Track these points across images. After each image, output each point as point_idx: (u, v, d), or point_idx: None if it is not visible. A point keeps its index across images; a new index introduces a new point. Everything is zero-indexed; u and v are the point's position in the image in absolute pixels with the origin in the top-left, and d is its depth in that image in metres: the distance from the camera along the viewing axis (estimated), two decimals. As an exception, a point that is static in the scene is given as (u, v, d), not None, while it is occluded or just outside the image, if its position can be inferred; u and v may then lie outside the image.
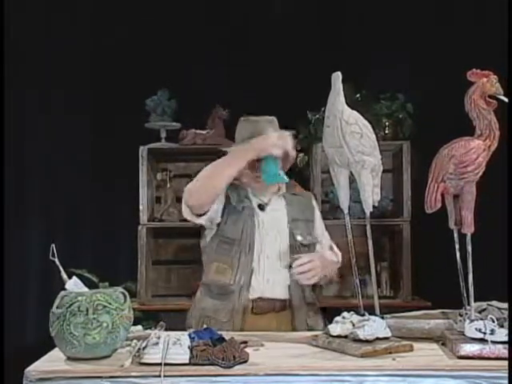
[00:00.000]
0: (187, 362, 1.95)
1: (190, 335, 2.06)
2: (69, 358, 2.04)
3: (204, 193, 2.53)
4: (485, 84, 2.21)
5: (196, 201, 2.54)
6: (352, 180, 2.39)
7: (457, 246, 2.29)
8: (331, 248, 2.74)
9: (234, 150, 2.60)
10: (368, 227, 2.35)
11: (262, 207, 2.71)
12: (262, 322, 2.60)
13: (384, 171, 2.44)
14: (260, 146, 2.53)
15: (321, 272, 2.59)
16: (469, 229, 2.24)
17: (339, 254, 2.74)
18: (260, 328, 2.54)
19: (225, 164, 2.53)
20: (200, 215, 2.60)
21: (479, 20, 4.24)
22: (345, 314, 2.28)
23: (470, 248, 2.23)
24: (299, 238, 2.70)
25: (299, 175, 4.38)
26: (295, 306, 2.67)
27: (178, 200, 4.42)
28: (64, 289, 2.11)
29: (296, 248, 2.68)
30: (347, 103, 2.29)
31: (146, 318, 3.65)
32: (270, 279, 2.65)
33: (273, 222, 2.70)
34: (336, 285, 4.46)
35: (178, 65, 4.33)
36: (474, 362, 2.00)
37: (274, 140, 2.54)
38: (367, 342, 2.10)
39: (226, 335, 2.12)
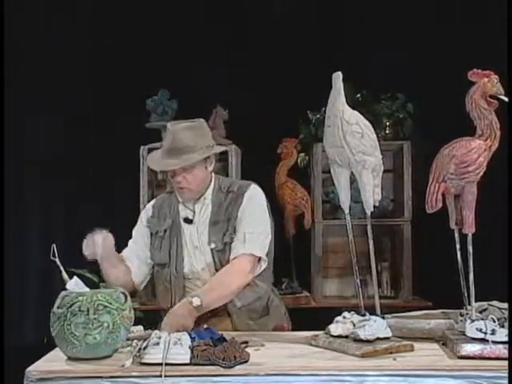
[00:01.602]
0: (188, 362, 1.95)
1: (190, 335, 2.06)
2: (69, 358, 2.04)
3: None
4: (486, 84, 2.21)
5: None
6: (353, 180, 2.39)
7: (457, 246, 2.29)
8: (244, 241, 2.57)
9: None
10: (369, 227, 2.35)
11: (188, 221, 2.67)
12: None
13: (385, 171, 2.44)
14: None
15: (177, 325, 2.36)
16: (470, 229, 2.24)
17: (254, 251, 2.57)
18: None
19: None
20: None
21: (479, 20, 4.23)
22: (345, 314, 2.28)
23: (470, 248, 2.23)
24: (212, 245, 2.60)
25: (300, 175, 4.40)
26: (232, 314, 2.62)
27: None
28: (65, 289, 2.11)
29: (214, 255, 2.61)
30: (348, 103, 2.29)
31: (147, 318, 3.65)
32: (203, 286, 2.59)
33: (197, 231, 2.65)
34: (337, 284, 4.47)
35: (179, 65, 4.33)
36: (475, 362, 2.00)
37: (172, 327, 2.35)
38: (368, 342, 2.10)
39: (227, 335, 2.12)
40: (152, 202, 2.85)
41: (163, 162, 2.61)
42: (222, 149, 2.84)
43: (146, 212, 2.81)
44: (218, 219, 2.63)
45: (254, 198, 2.68)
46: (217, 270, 2.60)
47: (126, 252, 2.75)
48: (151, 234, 2.73)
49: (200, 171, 2.61)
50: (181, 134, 2.58)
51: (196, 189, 2.63)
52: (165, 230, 2.69)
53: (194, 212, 2.67)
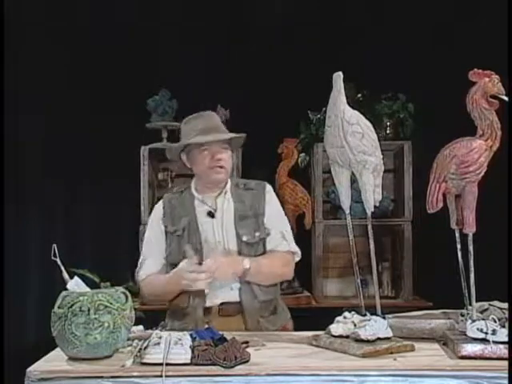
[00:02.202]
0: (189, 362, 1.95)
1: (191, 335, 2.06)
2: (70, 358, 2.04)
3: (154, 302, 3.04)
4: (486, 84, 2.21)
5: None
6: (353, 180, 2.39)
7: (458, 246, 2.29)
8: (284, 238, 2.69)
9: (172, 277, 2.58)
10: (369, 227, 2.35)
11: (211, 214, 2.68)
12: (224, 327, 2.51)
13: (385, 171, 2.45)
14: (181, 282, 2.51)
15: (228, 268, 2.52)
16: (470, 229, 2.24)
17: (293, 248, 2.71)
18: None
19: (167, 289, 2.65)
20: None
21: (480, 20, 4.23)
22: (346, 314, 2.27)
23: (471, 248, 2.23)
24: (245, 238, 2.63)
25: (300, 175, 4.39)
26: (246, 309, 2.63)
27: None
28: (65, 289, 2.11)
29: (243, 248, 2.63)
30: (348, 103, 2.29)
31: (148, 318, 3.65)
32: (223, 284, 2.61)
33: (222, 226, 2.66)
34: (337, 284, 4.47)
35: (179, 65, 4.32)
36: (476, 362, 2.00)
37: (193, 277, 2.47)
38: (369, 342, 2.10)
39: (228, 335, 2.11)
40: (160, 204, 2.81)
41: (210, 136, 2.64)
42: (242, 135, 2.81)
43: (156, 214, 2.78)
44: (245, 214, 2.67)
45: (273, 195, 2.79)
46: None
47: (144, 254, 2.76)
48: (166, 235, 2.71)
49: (230, 154, 2.72)
50: (212, 116, 2.74)
51: (229, 171, 2.71)
52: (183, 229, 2.67)
53: (216, 206, 2.69)
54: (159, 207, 2.79)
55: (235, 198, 2.70)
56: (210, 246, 2.64)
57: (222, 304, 2.61)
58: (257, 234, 2.65)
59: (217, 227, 2.66)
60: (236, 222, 2.65)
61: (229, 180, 2.74)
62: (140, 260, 2.76)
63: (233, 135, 2.70)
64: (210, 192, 2.72)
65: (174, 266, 2.60)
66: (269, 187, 2.78)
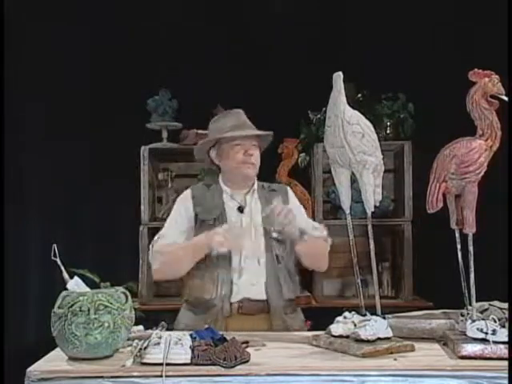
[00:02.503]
0: (189, 362, 1.95)
1: (191, 335, 2.06)
2: (70, 358, 2.04)
3: (168, 275, 2.79)
4: (486, 84, 2.21)
5: (160, 278, 2.85)
6: (353, 180, 2.39)
7: (458, 246, 2.29)
8: (315, 228, 2.78)
9: (193, 244, 2.65)
10: (369, 227, 2.35)
11: (241, 209, 2.74)
12: (245, 325, 2.59)
13: (385, 171, 2.45)
14: (209, 243, 2.58)
15: (293, 219, 2.57)
16: (470, 229, 2.24)
17: (325, 234, 2.78)
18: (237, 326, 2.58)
19: (187, 257, 2.65)
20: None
21: (480, 20, 4.23)
22: (346, 314, 2.27)
23: (471, 248, 2.23)
24: (274, 234, 2.66)
25: (300, 175, 4.39)
26: (272, 306, 2.66)
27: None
28: (65, 289, 2.11)
29: (273, 244, 2.69)
30: (349, 103, 2.29)
31: (148, 318, 3.65)
32: (249, 279, 2.66)
33: (250, 222, 2.72)
34: (337, 284, 4.47)
35: (179, 65, 4.32)
36: (476, 362, 2.00)
37: (220, 238, 2.56)
38: (369, 342, 2.10)
39: (228, 335, 2.11)
40: (188, 192, 2.83)
41: (243, 131, 2.73)
42: (268, 133, 2.88)
43: (185, 200, 2.80)
44: None
45: (294, 196, 2.92)
46: (267, 260, 2.67)
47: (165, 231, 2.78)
48: (196, 221, 2.74)
49: (259, 153, 2.79)
50: (241, 114, 2.83)
51: (257, 169, 2.78)
52: (214, 219, 2.71)
53: (246, 203, 2.75)
54: (188, 195, 2.82)
55: (261, 197, 2.78)
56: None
57: (244, 301, 2.64)
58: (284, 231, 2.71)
59: (245, 223, 2.72)
60: (263, 219, 2.69)
61: (256, 180, 2.82)
62: (158, 235, 2.77)
63: (264, 132, 2.80)
64: (239, 189, 2.79)
65: None
66: (290, 189, 2.92)
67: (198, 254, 2.63)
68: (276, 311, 2.66)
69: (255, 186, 2.81)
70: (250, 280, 2.65)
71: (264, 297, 2.66)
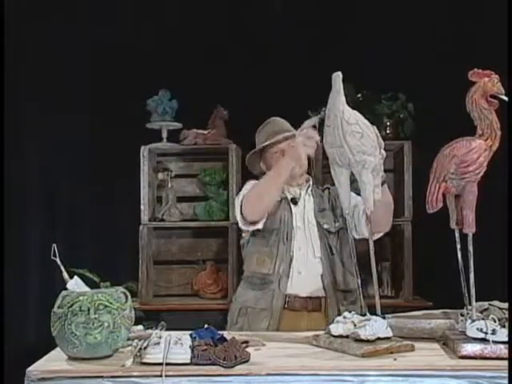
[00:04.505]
0: (188, 361, 1.95)
1: (191, 335, 2.06)
2: (70, 358, 2.04)
3: (258, 209, 2.77)
4: (486, 84, 2.21)
5: (251, 216, 2.77)
6: (353, 180, 2.39)
7: (458, 246, 2.29)
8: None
9: (274, 168, 2.76)
10: (369, 227, 2.35)
11: (294, 201, 2.89)
12: (296, 318, 2.71)
13: (385, 171, 2.44)
14: (293, 155, 2.69)
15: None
16: (470, 229, 2.24)
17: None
18: (292, 323, 2.69)
19: (272, 182, 2.73)
20: (254, 223, 2.80)
21: (480, 19, 4.23)
22: (346, 313, 2.27)
23: (471, 248, 2.23)
24: (326, 226, 2.83)
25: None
26: (329, 302, 2.75)
27: (179, 200, 4.45)
28: (65, 289, 2.11)
29: (325, 237, 2.82)
30: (348, 103, 2.29)
31: (147, 317, 3.65)
32: (301, 271, 2.77)
33: (303, 214, 2.86)
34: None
35: (179, 65, 4.32)
36: (476, 361, 2.00)
37: (302, 145, 2.68)
38: (368, 341, 2.10)
39: (228, 335, 2.12)
40: (254, 181, 2.91)
41: (274, 138, 2.90)
42: (292, 133, 2.94)
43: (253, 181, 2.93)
44: (324, 207, 2.90)
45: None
46: (321, 252, 2.79)
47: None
48: None
49: None
50: (277, 121, 3.01)
51: (303, 166, 2.90)
52: (280, 200, 2.86)
53: (300, 196, 2.91)
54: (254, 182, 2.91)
55: (314, 194, 2.95)
56: (288, 228, 2.81)
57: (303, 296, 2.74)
58: (336, 224, 2.86)
59: (299, 214, 2.86)
60: (316, 213, 2.87)
61: (311, 179, 3.01)
62: (239, 194, 2.87)
63: (288, 133, 2.90)
64: (292, 187, 2.93)
65: (265, 231, 2.82)
66: None
67: (283, 177, 2.70)
68: (331, 301, 2.75)
69: (310, 183, 2.99)
70: (302, 271, 2.77)
71: (317, 293, 2.75)
